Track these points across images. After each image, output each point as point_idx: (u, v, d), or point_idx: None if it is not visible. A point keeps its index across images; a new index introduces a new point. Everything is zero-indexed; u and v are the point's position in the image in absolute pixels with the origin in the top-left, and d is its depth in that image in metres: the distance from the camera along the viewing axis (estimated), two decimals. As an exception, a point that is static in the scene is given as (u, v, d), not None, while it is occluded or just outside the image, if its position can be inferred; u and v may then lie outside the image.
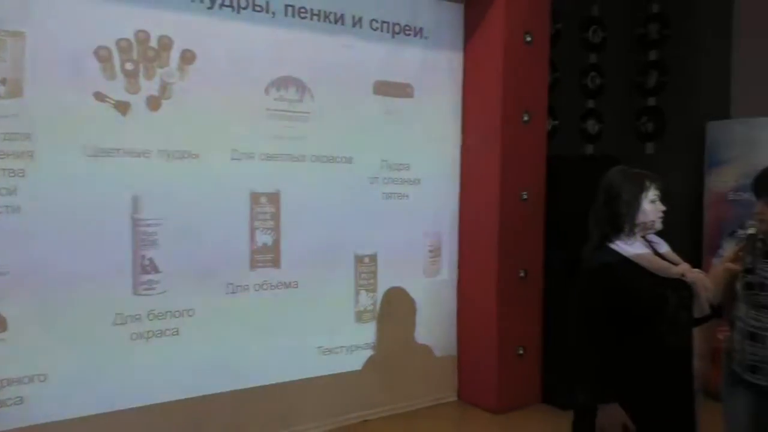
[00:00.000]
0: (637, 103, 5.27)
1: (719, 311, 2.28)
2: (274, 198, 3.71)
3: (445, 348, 4.44)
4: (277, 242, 3.73)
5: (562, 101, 4.97)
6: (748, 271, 2.15)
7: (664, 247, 2.25)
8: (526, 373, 4.31)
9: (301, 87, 3.78)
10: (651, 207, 2.16)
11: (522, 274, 4.23)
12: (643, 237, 2.23)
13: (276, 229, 3.72)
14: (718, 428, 2.43)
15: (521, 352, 4.25)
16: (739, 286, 2.25)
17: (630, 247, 2.15)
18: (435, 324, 4.39)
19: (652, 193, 2.17)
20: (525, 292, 4.26)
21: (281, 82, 3.71)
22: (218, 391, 3.54)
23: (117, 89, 3.22)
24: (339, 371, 3.98)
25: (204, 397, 3.50)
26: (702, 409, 2.22)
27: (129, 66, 3.24)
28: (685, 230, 4.35)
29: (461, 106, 4.40)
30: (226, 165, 3.55)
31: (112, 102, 3.22)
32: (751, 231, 2.20)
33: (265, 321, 3.69)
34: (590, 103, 5.23)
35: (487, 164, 4.20)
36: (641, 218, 2.16)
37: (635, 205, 2.15)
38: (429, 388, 4.36)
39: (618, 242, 2.16)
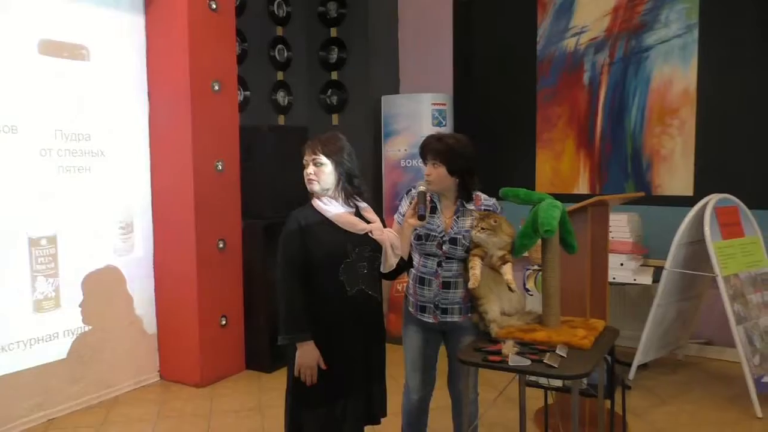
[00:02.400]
0: (322, 77, 5.60)
1: (411, 264, 2.58)
2: None
3: (145, 327, 4.23)
4: None
5: (252, 72, 5.03)
6: (420, 219, 2.47)
7: (365, 208, 2.46)
8: (230, 343, 4.34)
9: (-60, 41, 3.15)
10: (305, 172, 2.39)
11: (221, 245, 4.22)
12: (351, 199, 2.42)
13: None
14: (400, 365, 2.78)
15: (224, 322, 4.26)
16: (412, 238, 2.58)
17: (327, 206, 2.36)
18: (132, 303, 4.14)
19: (304, 159, 2.40)
20: (225, 263, 4.26)
21: None
22: None
23: None
24: (16, 370, 3.51)
25: None
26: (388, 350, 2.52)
27: None
28: (369, 194, 4.82)
29: (146, 73, 4.15)
30: None
31: None
32: (421, 189, 2.54)
33: None
34: (279, 76, 5.39)
35: (178, 134, 4.05)
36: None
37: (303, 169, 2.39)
38: (129, 372, 4.12)
39: (318, 201, 2.37)
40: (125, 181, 4.08)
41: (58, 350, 3.73)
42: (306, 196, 2.41)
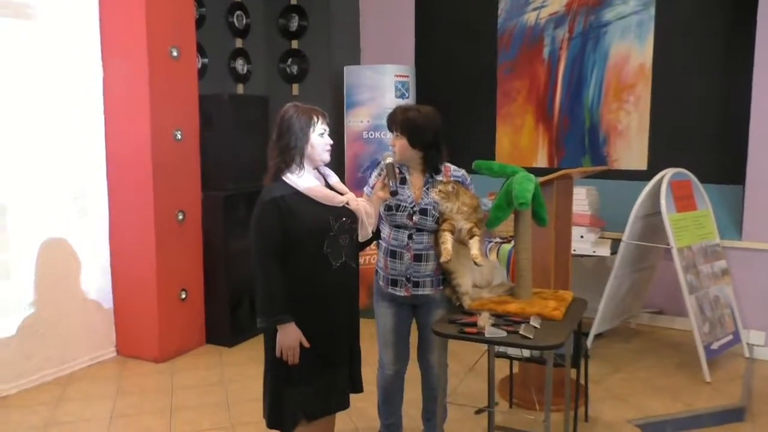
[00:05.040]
0: (282, 45, 5.45)
1: (378, 235, 2.57)
2: None
3: (101, 301, 4.09)
4: None
5: (209, 39, 4.85)
6: (392, 194, 2.46)
7: (333, 178, 2.42)
8: (190, 317, 4.25)
9: None
10: (319, 140, 2.30)
11: (180, 217, 4.10)
12: (316, 169, 2.36)
13: None
14: (373, 339, 2.78)
15: (183, 296, 4.17)
16: (381, 209, 2.56)
17: (300, 180, 2.27)
18: (87, 277, 3.99)
19: (320, 127, 2.30)
20: (184, 235, 4.15)
21: None
22: None
23: None
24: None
25: None
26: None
27: None
28: (331, 165, 4.78)
29: (100, 35, 3.95)
30: None
31: None
32: (388, 161, 2.52)
33: None
34: (238, 43, 5.22)
35: (135, 101, 3.88)
36: (309, 151, 2.28)
37: (304, 138, 2.25)
38: (84, 348, 3.99)
39: (290, 175, 2.27)
40: (78, 149, 3.90)
41: (8, 325, 3.58)
42: (270, 168, 2.29)
